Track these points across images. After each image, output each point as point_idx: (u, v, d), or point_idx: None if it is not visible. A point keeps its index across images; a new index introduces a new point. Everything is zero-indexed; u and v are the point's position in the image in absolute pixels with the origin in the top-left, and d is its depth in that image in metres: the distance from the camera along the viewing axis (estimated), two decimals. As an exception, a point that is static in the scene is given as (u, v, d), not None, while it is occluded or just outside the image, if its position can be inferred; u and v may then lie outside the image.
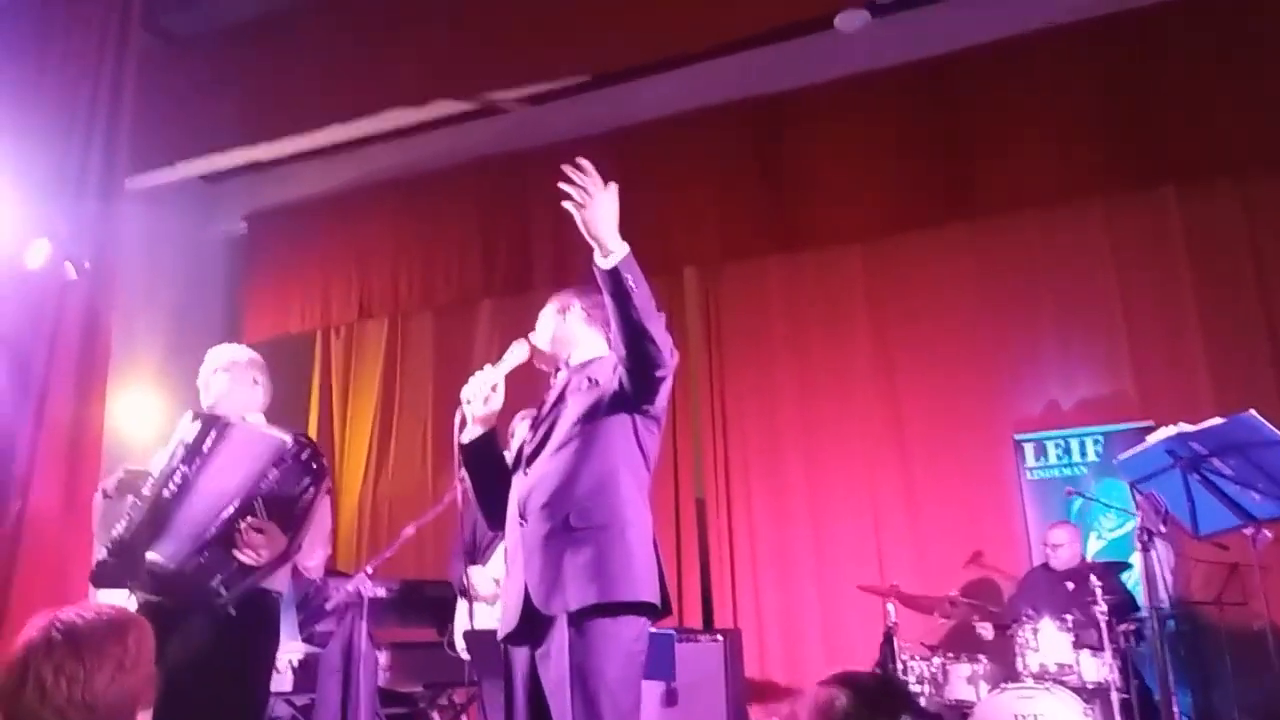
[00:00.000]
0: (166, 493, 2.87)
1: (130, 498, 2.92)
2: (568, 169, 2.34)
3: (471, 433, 2.60)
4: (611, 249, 2.31)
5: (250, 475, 2.90)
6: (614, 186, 2.35)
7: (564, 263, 6.11)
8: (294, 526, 2.95)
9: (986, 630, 4.86)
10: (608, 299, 2.33)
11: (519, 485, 2.53)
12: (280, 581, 3.07)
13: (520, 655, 2.46)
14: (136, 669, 1.55)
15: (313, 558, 4.65)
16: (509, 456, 2.68)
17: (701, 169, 6.07)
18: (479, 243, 6.62)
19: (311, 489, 2.99)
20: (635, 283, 2.30)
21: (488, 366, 2.61)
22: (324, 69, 5.87)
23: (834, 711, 1.45)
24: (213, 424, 2.96)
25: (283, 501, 2.93)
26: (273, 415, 3.31)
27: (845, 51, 5.76)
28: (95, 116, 4.73)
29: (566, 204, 2.33)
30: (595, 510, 2.41)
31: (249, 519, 2.87)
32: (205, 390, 3.21)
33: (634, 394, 2.44)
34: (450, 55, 5.70)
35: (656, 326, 2.36)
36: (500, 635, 2.50)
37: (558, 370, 2.71)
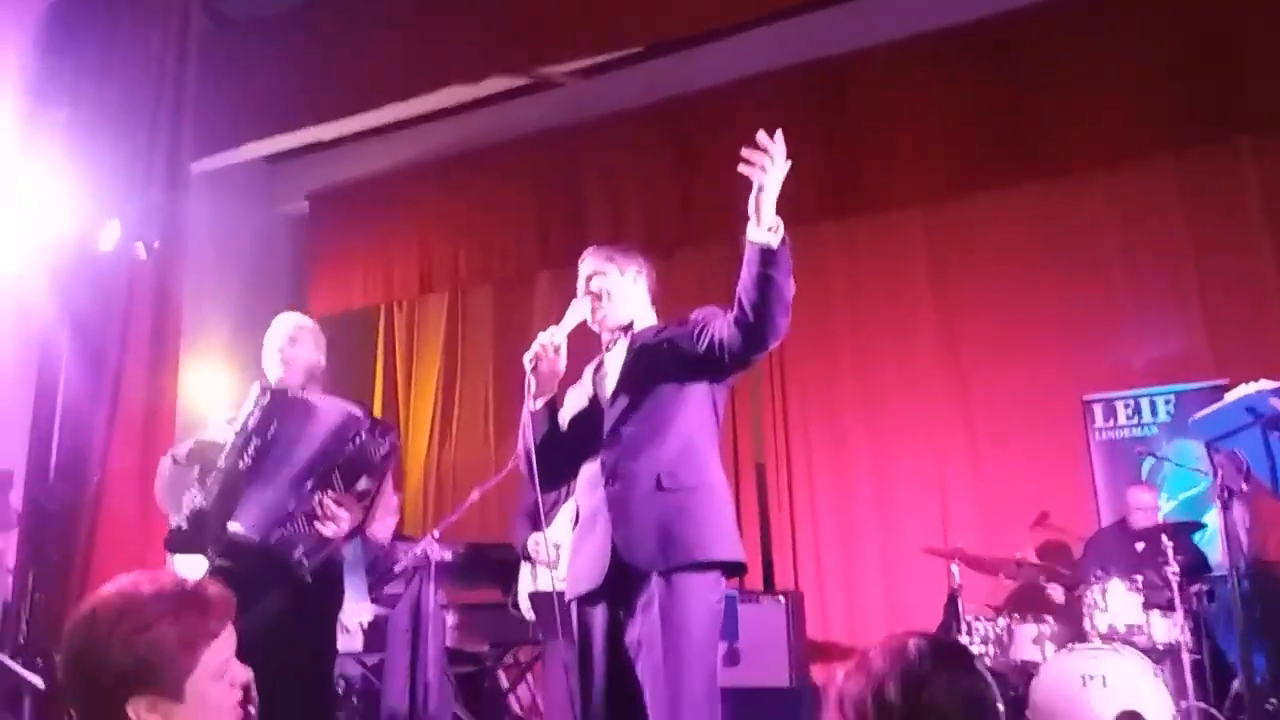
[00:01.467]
0: (242, 464, 2.95)
1: (197, 468, 3.00)
2: (761, 137, 2.35)
3: (541, 396, 2.60)
4: (775, 223, 2.33)
5: (327, 447, 2.98)
6: (788, 164, 2.36)
7: (619, 234, 6.11)
8: (370, 498, 3.03)
9: (1057, 593, 4.80)
10: (756, 271, 2.34)
11: (604, 448, 2.54)
12: (343, 547, 3.16)
13: (599, 614, 2.48)
14: (149, 644, 1.44)
15: (382, 528, 4.79)
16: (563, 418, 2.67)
17: (755, 138, 6.00)
18: (535, 216, 6.66)
19: (386, 459, 3.07)
20: (785, 256, 2.35)
21: (551, 328, 2.61)
22: (380, 48, 5.94)
23: (908, 655, 1.44)
24: (282, 396, 3.03)
25: (358, 472, 3.00)
26: (339, 387, 3.39)
27: (905, 11, 5.65)
28: (161, 102, 4.86)
29: (745, 169, 2.33)
30: (683, 472, 2.48)
31: (330, 493, 2.95)
32: (274, 359, 3.24)
33: (736, 362, 2.51)
34: (505, 30, 5.72)
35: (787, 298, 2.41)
36: (574, 594, 2.52)
37: (614, 331, 2.71)
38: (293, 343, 3.24)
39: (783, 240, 2.33)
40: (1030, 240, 5.65)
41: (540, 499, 4.20)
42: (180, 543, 3.01)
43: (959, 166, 5.57)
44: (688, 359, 2.55)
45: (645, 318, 2.74)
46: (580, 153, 6.58)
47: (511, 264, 6.78)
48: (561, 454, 2.61)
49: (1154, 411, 5.34)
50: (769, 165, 2.30)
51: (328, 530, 2.93)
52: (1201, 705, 4.11)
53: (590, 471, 2.56)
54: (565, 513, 4.06)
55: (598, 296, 2.70)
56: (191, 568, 3.00)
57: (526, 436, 2.57)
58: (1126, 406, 5.40)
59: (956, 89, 5.58)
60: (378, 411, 7.00)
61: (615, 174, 6.38)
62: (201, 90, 5.10)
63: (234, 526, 2.92)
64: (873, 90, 5.79)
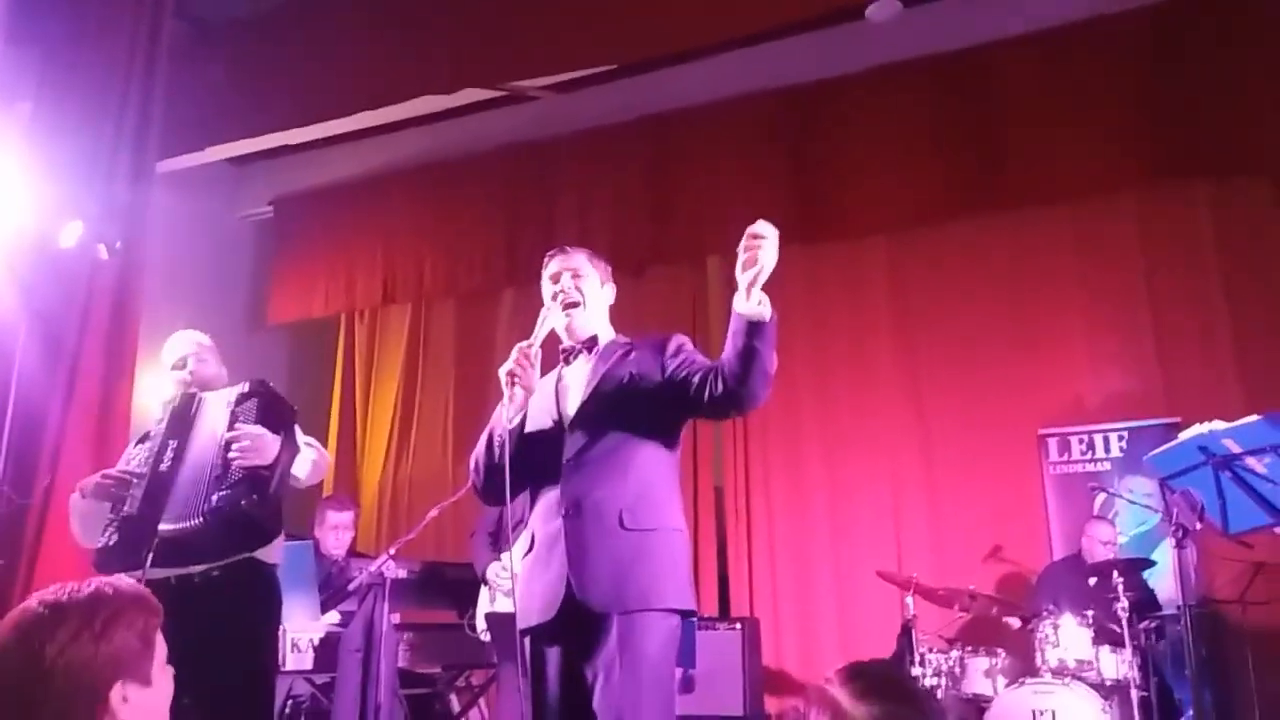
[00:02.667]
0: (163, 466, 2.98)
1: (107, 508, 2.98)
2: (760, 225, 2.31)
3: (516, 411, 2.44)
4: (762, 298, 2.28)
5: (225, 424, 2.99)
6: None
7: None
8: (281, 428, 2.99)
9: (1014, 621, 4.85)
10: (743, 343, 2.28)
11: (565, 476, 2.42)
12: (273, 553, 3.11)
13: (552, 647, 2.40)
14: (100, 642, 1.54)
15: (336, 542, 4.73)
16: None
17: (727, 159, 6.06)
18: (503, 231, 6.64)
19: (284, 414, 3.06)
20: (771, 330, 2.29)
21: (530, 339, 2.47)
22: (353, 55, 5.90)
23: (831, 700, 1.44)
24: (190, 398, 3.13)
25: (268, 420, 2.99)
26: (297, 397, 3.36)
27: (876, 41, 5.73)
28: (128, 101, 4.79)
29: (747, 253, 2.29)
30: (644, 512, 2.40)
31: (230, 434, 2.93)
32: (181, 373, 3.26)
33: (707, 417, 2.48)
34: (479, 41, 5.71)
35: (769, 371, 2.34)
36: (525, 625, 2.42)
37: (577, 343, 2.58)
38: (196, 358, 3.26)
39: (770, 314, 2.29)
40: (989, 272, 5.73)
41: (508, 521, 4.20)
42: (110, 560, 2.92)
43: (923, 197, 5.65)
44: (658, 395, 2.46)
45: (607, 332, 2.65)
46: (551, 168, 6.57)
47: (477, 277, 6.74)
48: (517, 471, 2.45)
49: (1107, 447, 5.43)
50: (769, 249, 2.28)
51: (256, 459, 2.88)
52: (1148, 742, 4.16)
53: (548, 498, 2.45)
54: (526, 535, 4.03)
55: (575, 300, 2.56)
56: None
57: (495, 454, 2.43)
58: (1080, 441, 5.49)
59: (923, 119, 5.67)
60: (334, 424, 6.91)
61: (586, 190, 6.38)
62: (169, 89, 5.03)
63: (165, 527, 2.88)
64: (841, 118, 5.88)
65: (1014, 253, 5.73)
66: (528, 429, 2.48)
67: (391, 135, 6.76)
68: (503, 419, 2.43)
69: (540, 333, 2.50)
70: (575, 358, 2.59)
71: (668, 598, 2.35)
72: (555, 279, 2.60)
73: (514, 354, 2.43)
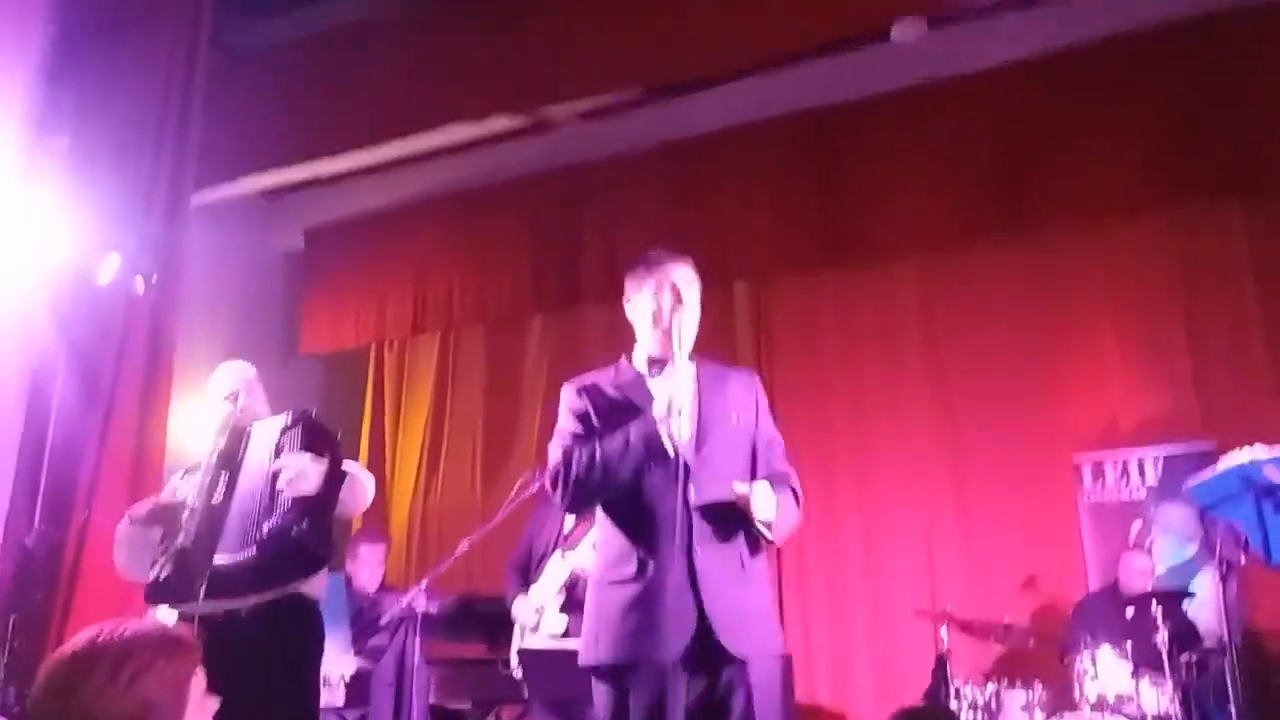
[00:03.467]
0: (215, 499, 2.99)
1: (160, 530, 3.00)
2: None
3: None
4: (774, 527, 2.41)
5: (271, 454, 3.01)
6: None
7: (613, 278, 6.08)
8: (326, 455, 2.98)
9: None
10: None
11: (679, 501, 2.29)
12: (317, 587, 3.12)
13: (668, 692, 2.26)
14: (132, 690, 1.53)
15: (369, 577, 4.73)
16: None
17: (755, 183, 6.06)
18: (530, 258, 6.66)
19: (328, 443, 3.05)
20: (784, 529, 2.44)
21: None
22: (383, 85, 5.96)
23: None
24: (240, 430, 3.13)
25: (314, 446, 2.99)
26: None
27: (902, 64, 5.71)
28: (164, 134, 4.86)
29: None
30: (755, 556, 2.43)
31: (276, 464, 2.94)
32: (232, 405, 3.25)
33: None
34: (507, 71, 5.76)
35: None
36: (634, 657, 2.28)
37: (669, 355, 2.43)
38: (244, 391, 3.25)
39: (778, 525, 2.41)
40: (1021, 296, 5.67)
41: (531, 555, 4.19)
42: (161, 592, 2.97)
43: (952, 219, 5.62)
44: (752, 439, 2.54)
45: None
46: (578, 195, 6.59)
47: (505, 305, 6.76)
48: (601, 480, 2.36)
49: (1142, 474, 5.35)
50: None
51: (303, 487, 2.87)
52: (1190, 778, 4.07)
53: (662, 523, 2.32)
54: (550, 569, 4.02)
55: (697, 313, 2.48)
56: (168, 618, 2.97)
57: (616, 478, 2.35)
58: (1115, 468, 5.40)
59: (950, 141, 5.64)
60: (363, 455, 6.94)
61: (613, 216, 6.39)
62: (204, 122, 5.10)
63: (220, 559, 2.90)
64: (868, 140, 5.85)
65: (1045, 274, 5.67)
66: (632, 441, 2.35)
67: (420, 165, 6.81)
68: (637, 442, 2.33)
69: (685, 346, 2.44)
70: (663, 370, 2.45)
71: (781, 641, 2.50)
72: (674, 293, 2.48)
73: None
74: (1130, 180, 5.27)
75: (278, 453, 3.00)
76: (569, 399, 2.49)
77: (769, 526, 2.37)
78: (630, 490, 2.36)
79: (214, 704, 1.70)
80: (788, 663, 2.47)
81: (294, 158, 6.30)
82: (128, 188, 4.60)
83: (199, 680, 1.65)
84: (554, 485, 2.42)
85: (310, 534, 2.89)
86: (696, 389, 2.42)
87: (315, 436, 3.04)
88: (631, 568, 2.34)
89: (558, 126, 6.55)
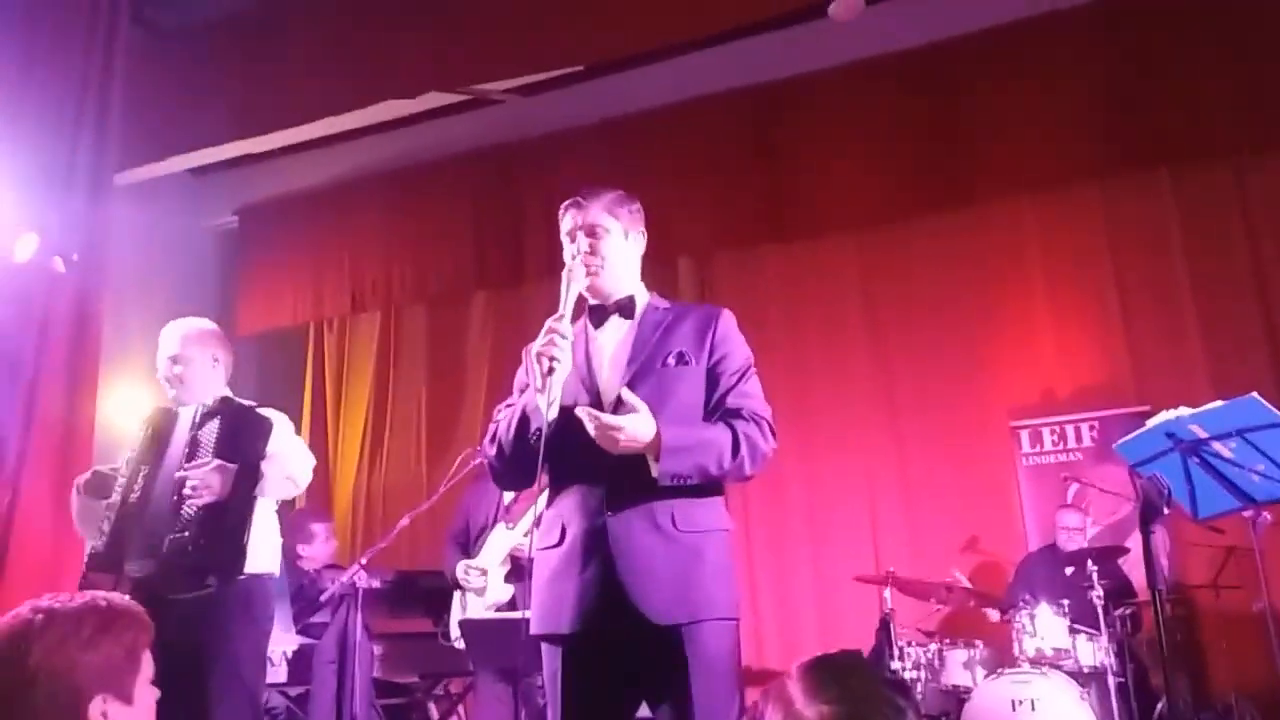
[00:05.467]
0: (132, 496, 2.90)
1: (103, 503, 2.93)
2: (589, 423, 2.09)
3: (555, 399, 2.15)
4: (656, 460, 2.11)
5: (186, 449, 2.92)
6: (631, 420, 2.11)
7: (556, 255, 6.00)
8: (247, 449, 2.89)
9: (994, 613, 4.87)
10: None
11: (598, 467, 2.15)
12: (269, 563, 3.06)
13: (591, 663, 2.15)
14: (85, 652, 1.52)
15: (318, 554, 4.66)
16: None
17: (696, 159, 6.06)
18: (471, 235, 6.60)
19: (252, 435, 2.94)
20: (685, 466, 2.13)
21: (559, 313, 2.18)
22: (315, 61, 5.83)
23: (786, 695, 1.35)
24: (165, 416, 3.03)
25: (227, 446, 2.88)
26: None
27: (840, 39, 5.73)
28: (84, 110, 4.71)
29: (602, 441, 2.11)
30: (698, 513, 2.19)
31: (185, 467, 2.85)
32: (166, 378, 3.14)
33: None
34: (442, 46, 5.67)
35: (734, 466, 2.17)
36: (556, 629, 2.16)
37: (609, 305, 2.32)
38: (180, 362, 3.10)
39: (665, 457, 2.10)
40: (959, 267, 5.76)
41: (469, 527, 4.16)
42: (98, 563, 2.91)
43: (891, 192, 5.67)
44: (700, 383, 2.25)
45: (641, 292, 2.37)
46: (518, 171, 6.55)
47: (447, 283, 6.70)
48: (536, 453, 2.17)
49: (1079, 437, 5.47)
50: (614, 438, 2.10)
51: (208, 496, 2.79)
52: (1126, 728, 4.19)
53: (583, 488, 2.20)
54: (493, 540, 4.00)
55: (599, 260, 2.27)
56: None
57: (531, 439, 2.17)
58: (1052, 432, 5.52)
59: (888, 116, 5.69)
60: (304, 435, 6.83)
61: (554, 193, 6.27)
62: (128, 99, 4.95)
63: (130, 568, 2.84)
64: (807, 116, 5.89)
65: (982, 246, 5.77)
66: (562, 403, 2.20)
67: (356, 142, 6.70)
68: (540, 408, 2.13)
69: (568, 300, 2.22)
70: (606, 320, 2.33)
71: (730, 604, 2.19)
72: (571, 237, 2.32)
73: (544, 331, 2.15)
74: (1062, 152, 5.36)
75: (192, 447, 2.90)
76: (523, 361, 2.32)
77: (655, 460, 2.10)
78: (561, 453, 2.17)
79: (154, 693, 1.69)
80: (731, 627, 2.21)
81: (223, 136, 6.14)
82: (46, 165, 4.45)
83: (149, 658, 1.65)
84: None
85: (208, 550, 2.79)
86: (635, 336, 2.29)
87: (235, 428, 2.92)
88: (556, 534, 2.23)
89: (495, 102, 6.48)
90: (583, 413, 2.11)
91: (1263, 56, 4.97)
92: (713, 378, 2.27)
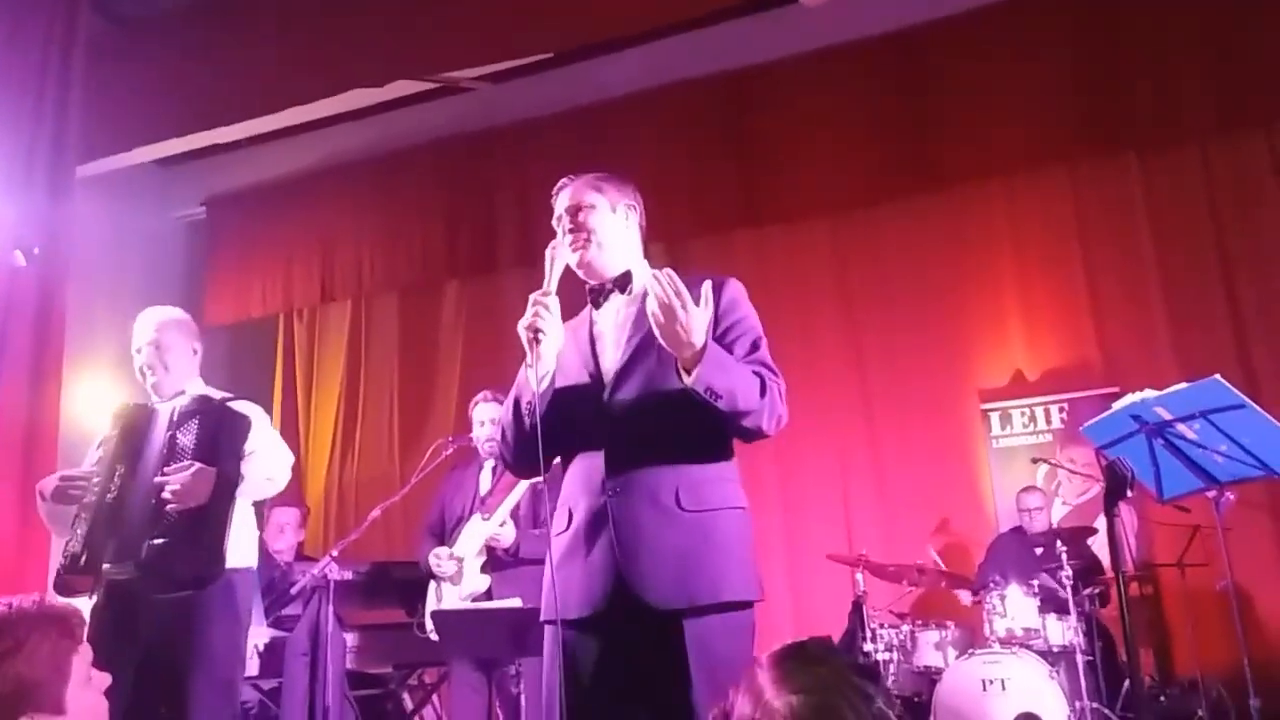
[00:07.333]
0: (109, 497, 2.83)
1: (75, 508, 2.86)
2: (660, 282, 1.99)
3: (545, 370, 2.12)
4: (686, 364, 2.01)
5: (164, 448, 2.85)
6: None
7: (529, 243, 6.06)
8: (226, 449, 2.84)
9: (966, 596, 4.92)
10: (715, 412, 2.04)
11: (600, 445, 2.12)
12: (246, 557, 3.04)
13: (595, 651, 2.08)
14: (23, 664, 1.48)
15: (284, 544, 4.63)
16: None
17: (668, 146, 6.04)
18: (443, 223, 6.57)
19: (230, 435, 2.88)
20: (721, 382, 2.01)
21: (544, 289, 2.15)
22: (281, 49, 5.76)
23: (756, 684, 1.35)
24: (140, 412, 2.94)
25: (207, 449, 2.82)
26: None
27: (811, 25, 5.73)
28: (43, 102, 4.64)
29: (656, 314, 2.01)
30: (706, 490, 2.10)
31: (164, 471, 2.78)
32: (147, 365, 3.07)
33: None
34: (410, 33, 5.60)
35: (761, 406, 2.06)
36: (561, 616, 2.09)
37: (605, 284, 2.27)
38: (156, 349, 3.04)
39: (706, 365, 2.01)
40: (930, 251, 5.78)
41: (444, 517, 4.15)
42: (63, 587, 2.84)
43: (861, 177, 5.70)
44: None
45: (641, 268, 2.30)
46: (489, 159, 6.51)
47: (418, 271, 6.67)
48: (551, 435, 2.14)
49: (1048, 419, 5.52)
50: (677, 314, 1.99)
51: (188, 501, 2.73)
52: (1095, 706, 4.24)
53: (587, 468, 2.14)
54: (469, 531, 3.99)
55: (585, 237, 2.22)
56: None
57: (526, 421, 2.14)
58: (1022, 414, 5.57)
59: (859, 102, 5.71)
60: (275, 426, 6.77)
61: (525, 180, 6.31)
62: (90, 90, 4.88)
63: (108, 569, 2.78)
64: (778, 102, 5.89)
65: (953, 230, 5.79)
66: (559, 384, 2.18)
67: (324, 131, 6.63)
68: (530, 381, 2.11)
69: (553, 276, 2.18)
70: (606, 299, 2.28)
71: (738, 588, 2.06)
72: (564, 213, 2.27)
73: (530, 305, 2.12)
74: (1031, 136, 5.39)
75: (170, 447, 2.82)
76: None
77: (689, 370, 1.98)
78: (561, 430, 2.14)
79: (103, 680, 1.65)
80: (742, 616, 2.09)
81: (190, 126, 6.05)
82: (5, 159, 4.38)
83: (82, 657, 1.60)
84: None
85: (187, 555, 2.75)
86: (635, 313, 2.22)
87: (215, 427, 2.85)
88: (564, 519, 2.18)
89: (465, 90, 6.43)
90: (660, 274, 2.00)
91: (1231, 39, 5.01)
92: (721, 346, 2.14)
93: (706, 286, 2.08)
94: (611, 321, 2.25)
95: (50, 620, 1.57)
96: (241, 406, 2.98)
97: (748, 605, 2.09)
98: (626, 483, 2.09)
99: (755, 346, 2.21)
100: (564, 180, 2.32)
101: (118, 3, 5.97)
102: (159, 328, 3.08)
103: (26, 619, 1.54)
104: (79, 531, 2.82)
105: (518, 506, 3.92)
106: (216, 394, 3.05)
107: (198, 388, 3.08)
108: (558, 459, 2.25)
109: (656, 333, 2.03)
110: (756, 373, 2.12)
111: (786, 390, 2.20)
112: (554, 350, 2.14)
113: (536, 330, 2.09)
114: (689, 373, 2.00)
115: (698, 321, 2.00)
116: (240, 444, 2.89)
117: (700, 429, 2.08)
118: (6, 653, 1.49)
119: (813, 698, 1.29)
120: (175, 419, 2.87)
